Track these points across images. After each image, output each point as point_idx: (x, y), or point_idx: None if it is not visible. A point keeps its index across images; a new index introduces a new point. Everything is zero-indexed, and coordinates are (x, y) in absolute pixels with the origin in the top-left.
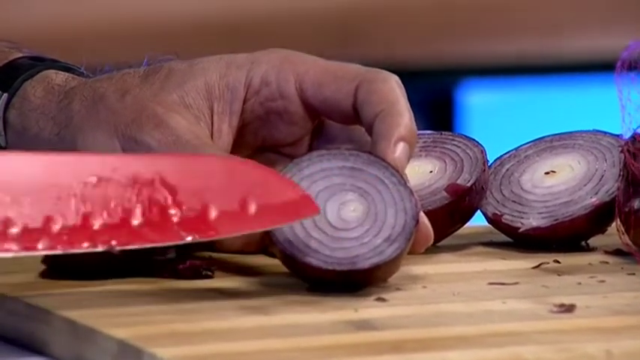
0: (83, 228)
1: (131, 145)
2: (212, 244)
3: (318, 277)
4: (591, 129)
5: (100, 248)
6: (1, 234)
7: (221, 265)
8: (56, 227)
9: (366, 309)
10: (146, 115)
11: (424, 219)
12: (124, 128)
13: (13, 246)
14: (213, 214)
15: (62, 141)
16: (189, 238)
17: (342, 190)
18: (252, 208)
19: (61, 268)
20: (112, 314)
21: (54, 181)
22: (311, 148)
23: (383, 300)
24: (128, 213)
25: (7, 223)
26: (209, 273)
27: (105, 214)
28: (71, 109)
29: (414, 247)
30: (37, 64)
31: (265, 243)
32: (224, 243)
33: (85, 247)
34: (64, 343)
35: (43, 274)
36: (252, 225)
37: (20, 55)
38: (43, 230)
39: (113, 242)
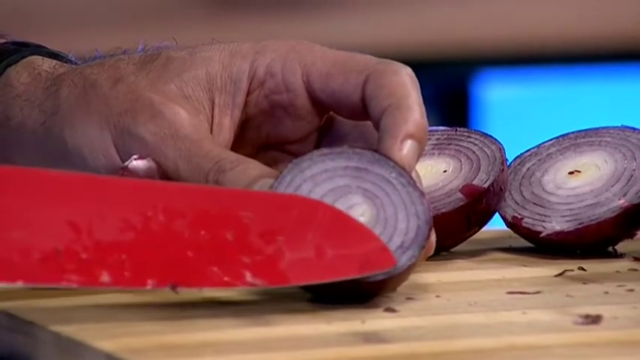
0: (146, 264)
1: (123, 137)
2: None
3: (323, 287)
4: (619, 125)
5: (162, 287)
6: (60, 264)
7: None
8: (117, 260)
9: (375, 320)
10: (141, 105)
11: None
12: (116, 119)
13: (74, 277)
14: (285, 260)
15: (48, 132)
16: (255, 284)
17: (347, 192)
18: (327, 257)
19: None
20: (99, 326)
21: (116, 210)
22: (319, 147)
23: (393, 310)
24: (193, 250)
25: (68, 252)
26: None
27: (169, 250)
28: (59, 97)
29: None
30: (22, 49)
31: None
32: None
33: (147, 286)
34: (49, 356)
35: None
36: (324, 275)
37: (3, 40)
38: (104, 262)
39: (176, 282)
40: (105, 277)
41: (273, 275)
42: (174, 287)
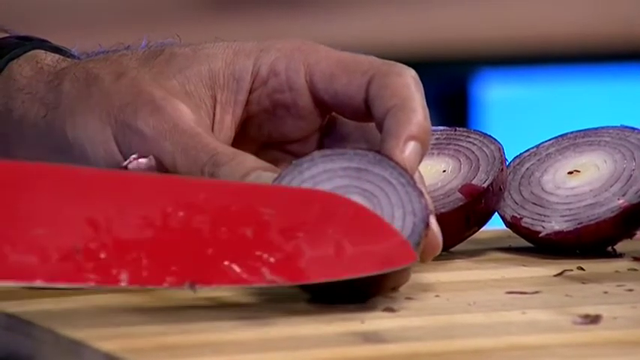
0: (164, 262)
1: (124, 131)
2: None
3: (319, 287)
4: (618, 125)
5: (180, 286)
6: (78, 264)
7: None
8: (136, 258)
9: (374, 320)
10: (142, 99)
11: (433, 224)
12: (117, 113)
13: (92, 276)
14: (304, 257)
15: (49, 125)
16: (274, 281)
17: (346, 193)
18: (347, 254)
19: None
20: (99, 326)
21: (135, 206)
22: (321, 147)
23: (392, 310)
24: (213, 247)
25: (86, 251)
26: None
27: (187, 247)
28: (61, 90)
29: (420, 256)
30: (25, 43)
31: None
32: None
33: (165, 284)
34: (48, 357)
35: None
36: (344, 272)
37: (6, 35)
38: (123, 261)
39: (194, 280)
40: (123, 277)
41: (292, 272)
42: (192, 286)
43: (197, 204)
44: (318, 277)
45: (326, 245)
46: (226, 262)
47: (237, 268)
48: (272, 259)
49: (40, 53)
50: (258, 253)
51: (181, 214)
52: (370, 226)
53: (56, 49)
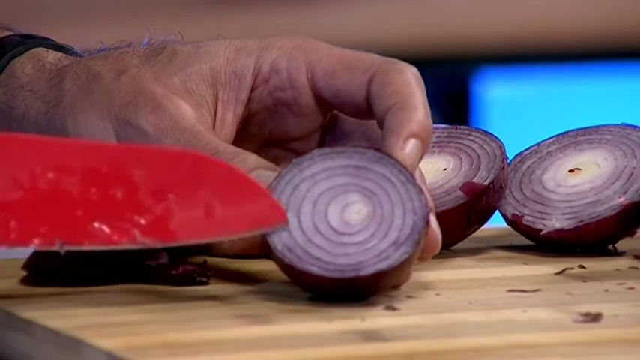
0: (33, 223)
1: (125, 129)
2: (208, 247)
3: (319, 285)
4: (619, 123)
5: (48, 245)
6: None
7: (217, 270)
8: (3, 220)
9: (375, 318)
10: (143, 97)
11: (433, 222)
12: (118, 110)
13: None
14: (175, 218)
15: (50, 122)
16: (145, 243)
17: (345, 191)
18: (217, 215)
19: (44, 274)
20: (99, 324)
21: (2, 167)
22: (322, 145)
23: (393, 309)
24: (82, 208)
25: None
26: (204, 279)
27: (57, 208)
28: (62, 88)
29: (420, 254)
30: (27, 41)
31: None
32: (221, 246)
33: (33, 244)
34: (47, 355)
35: (25, 281)
36: (214, 233)
37: (10, 33)
38: None
39: (63, 240)
40: None
41: (163, 233)
42: (62, 245)
43: (66, 165)
44: (189, 238)
45: (196, 206)
46: (96, 224)
47: (107, 229)
48: (142, 221)
49: (42, 51)
50: (128, 214)
51: (51, 175)
52: (240, 188)
53: (58, 47)
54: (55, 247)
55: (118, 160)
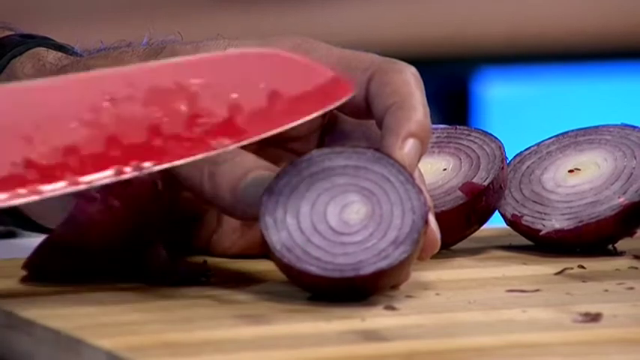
0: (106, 156)
1: None
2: (207, 247)
3: (318, 285)
4: (619, 123)
5: (130, 173)
6: (22, 176)
7: (217, 270)
8: (76, 159)
9: (375, 318)
10: None
11: (432, 222)
12: None
13: (39, 187)
14: (242, 115)
15: None
16: (221, 146)
17: (344, 191)
18: (283, 102)
19: (44, 274)
20: (98, 323)
21: (62, 110)
22: (321, 145)
23: (392, 308)
24: (151, 130)
25: (26, 163)
26: (204, 279)
27: (127, 136)
28: None
29: (420, 253)
30: (27, 41)
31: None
32: (221, 246)
33: (111, 176)
34: (47, 355)
35: (25, 281)
36: (284, 120)
37: (10, 32)
38: (64, 165)
39: (143, 164)
40: (67, 178)
41: (232, 133)
42: (141, 170)
43: (124, 95)
44: (260, 132)
45: (260, 98)
46: (167, 141)
47: (177, 144)
48: (211, 127)
49: (42, 51)
50: (196, 124)
51: (107, 105)
52: (300, 70)
53: (58, 47)
54: (138, 172)
55: (172, 74)
